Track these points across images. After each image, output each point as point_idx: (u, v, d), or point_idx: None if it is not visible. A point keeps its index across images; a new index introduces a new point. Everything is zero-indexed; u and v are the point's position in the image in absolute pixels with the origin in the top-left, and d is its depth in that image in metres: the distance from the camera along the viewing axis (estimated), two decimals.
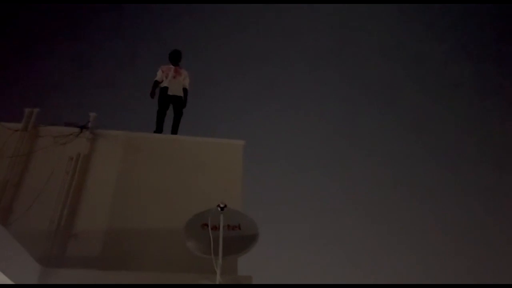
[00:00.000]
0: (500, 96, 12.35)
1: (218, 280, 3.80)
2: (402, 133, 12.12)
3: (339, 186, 11.03)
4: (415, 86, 12.88)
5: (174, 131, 6.45)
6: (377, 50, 13.34)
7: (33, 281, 3.94)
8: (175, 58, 6.84)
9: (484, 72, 12.72)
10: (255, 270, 4.47)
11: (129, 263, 4.70)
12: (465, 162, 11.60)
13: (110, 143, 5.63)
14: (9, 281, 3.42)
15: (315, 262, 9.19)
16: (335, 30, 13.42)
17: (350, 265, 9.30)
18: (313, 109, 12.42)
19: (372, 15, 13.51)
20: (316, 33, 13.33)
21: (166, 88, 6.62)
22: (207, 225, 4.07)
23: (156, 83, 6.69)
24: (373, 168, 11.69)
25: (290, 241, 9.13)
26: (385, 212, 10.73)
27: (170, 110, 6.63)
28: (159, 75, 6.75)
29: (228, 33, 13.13)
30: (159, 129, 6.39)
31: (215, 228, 3.97)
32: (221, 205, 3.88)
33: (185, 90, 6.76)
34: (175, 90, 6.62)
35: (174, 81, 6.65)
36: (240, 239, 4.04)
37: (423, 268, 9.58)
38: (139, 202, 5.22)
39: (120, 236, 4.93)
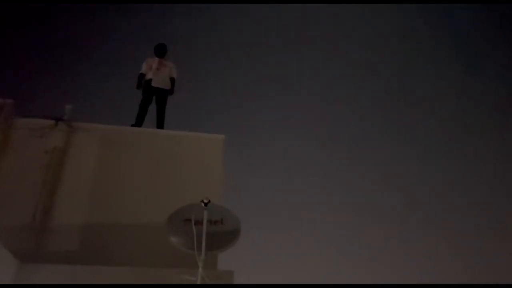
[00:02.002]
0: None
1: (200, 275, 3.81)
2: (384, 130, 12.32)
3: (322, 181, 11.15)
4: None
5: (160, 125, 6.39)
6: (363, 46, 13.47)
7: (10, 276, 3.86)
8: (160, 51, 6.78)
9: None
10: (235, 265, 4.52)
11: (107, 257, 4.64)
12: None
13: (87, 136, 5.51)
14: None
15: (297, 257, 9.30)
16: (319, 24, 13.51)
17: (333, 260, 9.45)
18: (298, 105, 12.49)
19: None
20: (300, 27, 13.39)
21: (150, 80, 6.57)
22: (189, 220, 4.08)
23: (142, 76, 6.64)
24: (358, 162, 11.84)
25: (271, 236, 9.19)
26: (368, 206, 10.91)
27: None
28: (143, 68, 6.70)
29: (212, 27, 13.05)
30: (138, 122, 6.31)
31: (198, 223, 3.97)
32: (205, 201, 3.87)
33: (172, 79, 6.72)
34: (159, 82, 6.57)
35: (158, 72, 6.60)
36: (223, 234, 4.05)
37: (416, 268, 9.72)
38: (118, 197, 5.17)
39: (98, 231, 4.87)
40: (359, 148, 12.12)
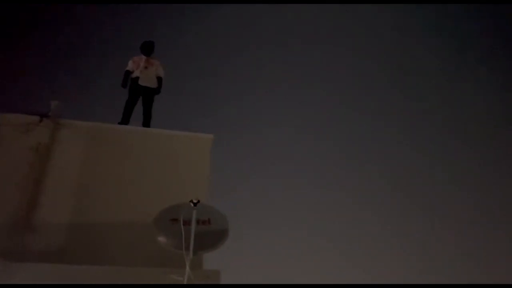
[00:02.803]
0: None
1: (187, 275, 3.81)
2: (379, 128, 12.39)
3: (310, 180, 11.20)
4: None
5: (146, 123, 6.34)
6: (353, 44, 13.55)
7: None
8: (147, 49, 6.72)
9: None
10: (221, 264, 4.51)
11: (93, 257, 4.59)
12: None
13: (73, 133, 5.43)
14: None
15: (285, 257, 9.32)
16: (307, 23, 13.56)
17: (320, 259, 9.50)
18: (287, 105, 12.52)
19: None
20: (288, 26, 13.42)
21: (137, 79, 6.52)
22: (176, 219, 4.07)
23: (128, 73, 6.58)
24: (346, 162, 11.91)
25: (257, 235, 9.20)
26: (355, 206, 10.98)
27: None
28: (130, 65, 6.64)
29: (200, 26, 13.00)
30: (125, 120, 6.26)
31: (186, 223, 3.97)
32: (194, 201, 3.87)
33: (159, 78, 6.68)
34: (146, 80, 6.53)
35: (146, 71, 6.55)
36: (210, 234, 4.05)
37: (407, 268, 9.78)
38: (104, 195, 5.10)
39: (83, 229, 4.81)
40: (348, 148, 12.20)
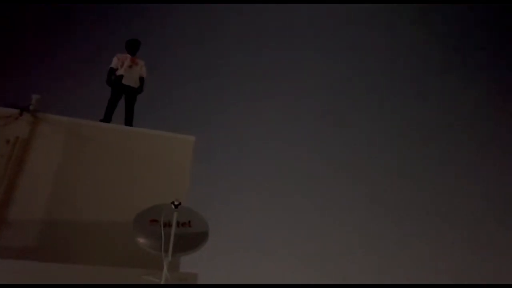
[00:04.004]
0: None
1: (164, 276, 3.79)
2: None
3: (289, 185, 11.20)
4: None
5: (129, 123, 6.27)
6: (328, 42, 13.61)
7: None
8: (133, 47, 6.64)
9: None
10: (198, 267, 4.51)
11: (68, 255, 4.52)
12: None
13: (53, 129, 5.34)
14: None
15: (262, 262, 9.32)
16: (294, 24, 13.60)
17: (298, 265, 9.52)
18: (269, 109, 12.52)
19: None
20: (274, 27, 13.45)
21: (121, 77, 6.44)
22: (156, 220, 4.05)
23: (112, 70, 6.49)
24: (327, 163, 11.93)
25: (235, 239, 9.18)
26: (330, 210, 11.03)
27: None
28: (114, 63, 6.54)
29: (184, 26, 12.93)
30: (107, 118, 6.18)
31: (165, 224, 3.95)
32: (176, 203, 3.86)
33: (142, 79, 6.62)
34: (130, 80, 6.44)
35: (130, 70, 6.47)
36: (190, 236, 4.05)
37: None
38: (81, 192, 5.04)
39: (59, 227, 4.73)
40: (331, 150, 12.23)
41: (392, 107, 12.97)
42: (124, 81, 6.40)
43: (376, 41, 13.63)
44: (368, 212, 11.07)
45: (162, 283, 3.78)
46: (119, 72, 6.46)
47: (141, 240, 3.93)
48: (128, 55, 6.60)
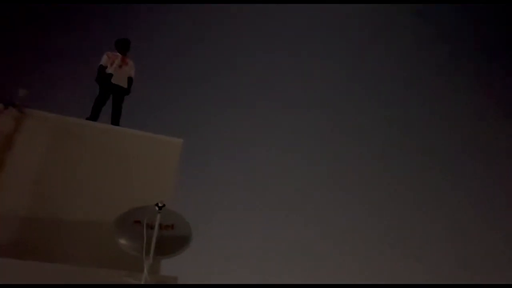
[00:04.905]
0: None
1: (144, 279, 3.76)
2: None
3: (274, 188, 11.22)
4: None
5: (115, 122, 6.21)
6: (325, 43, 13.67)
7: None
8: (123, 47, 6.59)
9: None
10: (178, 271, 4.47)
11: (48, 254, 4.44)
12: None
13: (38, 125, 5.27)
14: None
15: (244, 266, 9.30)
16: (285, 26, 13.67)
17: (280, 269, 9.51)
18: (257, 112, 12.55)
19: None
20: (264, 30, 13.50)
21: (110, 76, 6.38)
22: (138, 222, 4.01)
23: (102, 68, 6.42)
24: (314, 165, 11.99)
25: (217, 243, 9.15)
26: (322, 211, 11.05)
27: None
28: (104, 60, 6.47)
29: (173, 27, 12.92)
30: (93, 117, 6.12)
31: (148, 226, 3.92)
32: (160, 205, 3.83)
33: (130, 79, 6.57)
34: (119, 79, 6.40)
35: (120, 70, 6.42)
36: (173, 239, 4.02)
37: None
38: (64, 191, 4.97)
39: (39, 225, 4.65)
40: (318, 153, 12.28)
41: (392, 107, 13.07)
42: (114, 80, 6.35)
43: (376, 41, 13.75)
44: (361, 213, 11.13)
45: (142, 283, 3.74)
46: (108, 71, 6.40)
47: (122, 241, 3.89)
48: (119, 54, 6.55)
